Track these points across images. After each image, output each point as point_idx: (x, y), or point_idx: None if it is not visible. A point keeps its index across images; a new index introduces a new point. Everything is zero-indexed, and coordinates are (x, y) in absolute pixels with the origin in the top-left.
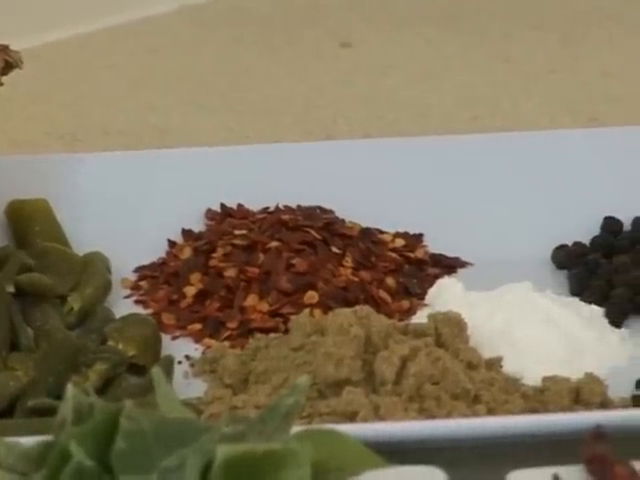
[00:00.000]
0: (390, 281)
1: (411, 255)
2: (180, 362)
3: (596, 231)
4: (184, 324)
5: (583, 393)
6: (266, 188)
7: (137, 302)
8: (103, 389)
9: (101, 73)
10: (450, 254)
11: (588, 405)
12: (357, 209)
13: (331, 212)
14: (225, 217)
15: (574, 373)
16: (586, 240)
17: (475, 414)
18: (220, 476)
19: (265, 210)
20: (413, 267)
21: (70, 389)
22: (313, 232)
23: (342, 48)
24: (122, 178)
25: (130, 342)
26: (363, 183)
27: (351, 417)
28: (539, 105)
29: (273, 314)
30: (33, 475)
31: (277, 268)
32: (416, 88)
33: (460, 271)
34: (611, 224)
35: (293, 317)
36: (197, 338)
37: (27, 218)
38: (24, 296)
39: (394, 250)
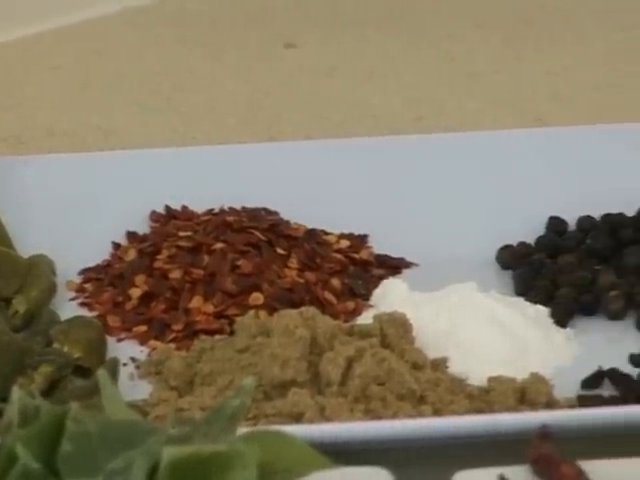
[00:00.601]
0: (335, 282)
1: (356, 256)
2: (125, 364)
3: (541, 231)
4: (129, 326)
5: (529, 393)
6: (211, 190)
7: (82, 304)
8: (49, 391)
9: (45, 75)
10: (395, 255)
11: (534, 405)
12: (302, 210)
13: (276, 213)
14: (170, 219)
15: (519, 373)
16: (531, 240)
17: (421, 415)
18: (166, 478)
19: (210, 212)
20: (358, 268)
21: (16, 391)
22: (258, 233)
23: (286, 49)
24: (66, 180)
25: (75, 344)
26: (308, 184)
27: (297, 418)
28: (483, 105)
29: (218, 316)
30: None
31: (222, 270)
32: (360, 89)
33: (405, 272)
34: (556, 224)
35: (238, 319)
36: (142, 340)
37: None
38: None
39: (339, 251)
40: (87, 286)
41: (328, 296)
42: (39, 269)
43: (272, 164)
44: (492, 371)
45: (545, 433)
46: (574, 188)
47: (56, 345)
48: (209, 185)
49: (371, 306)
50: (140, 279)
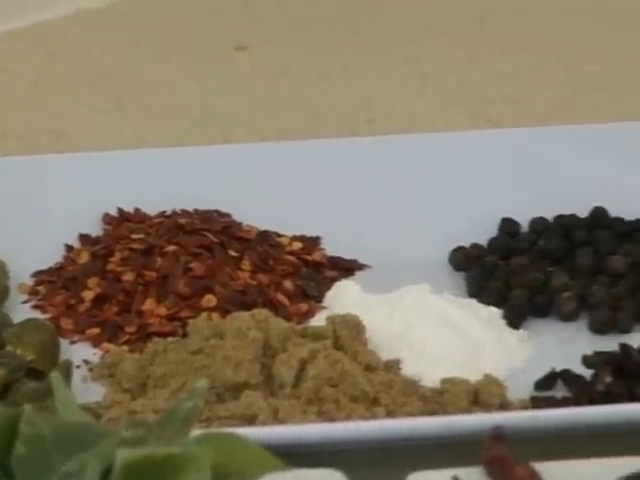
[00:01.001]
0: (288, 284)
1: (309, 258)
2: (79, 366)
3: (493, 233)
4: (82, 329)
5: (482, 395)
6: (163, 192)
7: (35, 307)
8: (2, 394)
9: None
10: (348, 257)
11: (487, 406)
12: (254, 212)
13: (228, 216)
14: (122, 221)
15: (473, 375)
16: (484, 242)
17: (374, 416)
18: None
19: (162, 214)
20: (311, 270)
21: None
22: (210, 236)
23: (238, 51)
24: (18, 183)
25: (28, 347)
26: (260, 186)
27: (250, 420)
28: (435, 107)
29: (171, 318)
30: None
31: (175, 272)
32: (312, 91)
33: (358, 274)
34: (508, 225)
35: (191, 321)
36: (95, 342)
37: None
38: None
39: (292, 253)
40: (40, 289)
41: (281, 298)
42: None
43: (224, 166)
44: (445, 373)
45: (498, 434)
46: (526, 190)
47: (9, 348)
48: (161, 187)
49: (324, 308)
50: (93, 282)
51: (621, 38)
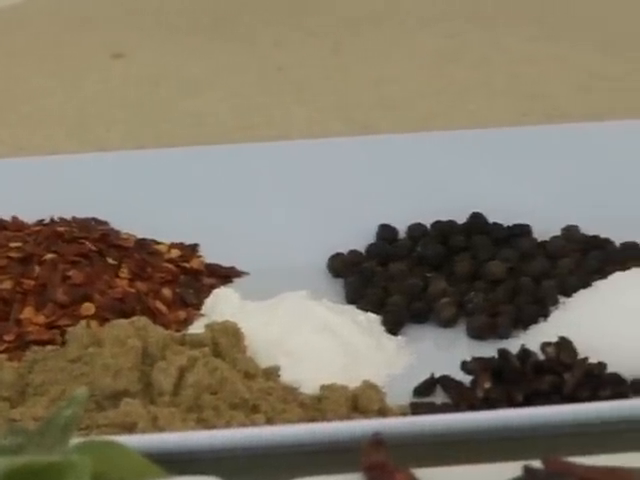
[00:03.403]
0: (166, 292)
1: (187, 265)
2: None
3: (371, 239)
4: None
5: (361, 401)
6: (41, 200)
7: None
8: None
9: None
10: (225, 264)
11: (366, 413)
12: (132, 220)
13: (106, 223)
14: (0, 230)
15: (352, 381)
16: (361, 248)
17: (253, 423)
18: None
19: (40, 222)
20: (189, 277)
21: None
22: (89, 244)
23: (114, 59)
24: None
25: None
26: (138, 194)
27: (129, 428)
28: (312, 113)
29: (50, 326)
30: None
31: (53, 280)
32: (189, 98)
33: (236, 281)
34: (386, 232)
35: (70, 329)
36: None
37: None
38: None
39: (170, 261)
40: None
41: (159, 306)
42: None
43: (101, 174)
44: (324, 379)
45: (378, 440)
46: (404, 196)
47: None
48: (39, 195)
49: (202, 315)
50: None
51: (496, 43)
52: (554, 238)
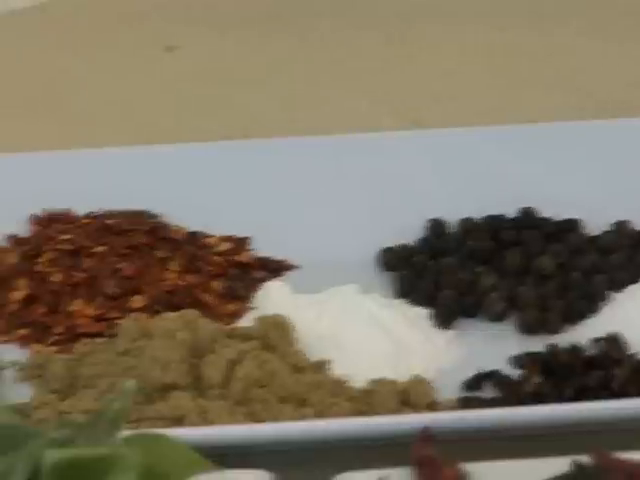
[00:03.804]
0: (216, 285)
1: (237, 258)
2: (7, 367)
3: (422, 233)
4: (11, 329)
5: (410, 395)
6: (91, 193)
7: None
8: None
9: None
10: (276, 257)
11: (415, 407)
12: (183, 213)
13: (157, 216)
14: (50, 222)
15: (401, 375)
16: (412, 242)
17: (303, 417)
18: None
19: (90, 215)
20: (239, 270)
21: None
22: (139, 236)
23: (166, 52)
24: None
25: None
26: (189, 187)
27: (178, 421)
28: (363, 107)
29: (99, 319)
30: None
31: (103, 273)
32: (241, 92)
33: (287, 274)
34: (436, 226)
35: (119, 322)
36: (24, 343)
37: None
38: None
39: (220, 254)
40: None
41: (209, 299)
42: None
43: (153, 166)
44: (374, 373)
45: (427, 435)
46: (455, 190)
47: None
48: (90, 188)
49: (253, 308)
50: (21, 282)
51: (547, 38)
52: (605, 233)
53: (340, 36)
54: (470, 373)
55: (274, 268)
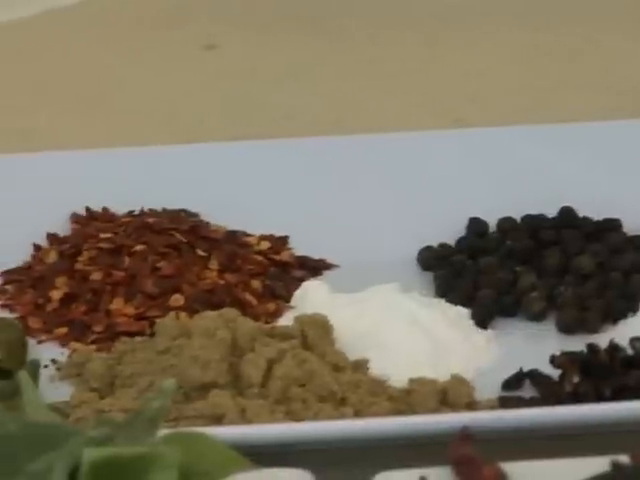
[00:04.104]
0: (256, 284)
1: (276, 257)
2: (46, 366)
3: (461, 232)
4: (50, 328)
5: (450, 394)
6: (131, 191)
7: (3, 306)
8: None
9: None
10: (316, 256)
11: (455, 406)
12: (222, 212)
13: (196, 215)
14: (90, 221)
15: (441, 375)
16: (452, 241)
17: (342, 416)
18: (87, 479)
19: (130, 213)
20: (279, 269)
21: None
22: (178, 235)
23: (206, 50)
24: None
25: None
26: (228, 186)
27: (217, 420)
28: (403, 106)
29: (139, 317)
30: None
31: (142, 271)
32: (281, 91)
33: (326, 273)
34: (476, 225)
35: (159, 320)
36: (63, 342)
37: None
38: None
39: (259, 253)
40: (8, 288)
41: (249, 297)
42: None
43: (192, 166)
44: (413, 372)
45: (466, 434)
46: (494, 189)
47: None
48: (130, 187)
49: (292, 307)
50: (61, 281)
51: (589, 38)
52: None
53: (380, 36)
54: (509, 372)
55: (313, 267)
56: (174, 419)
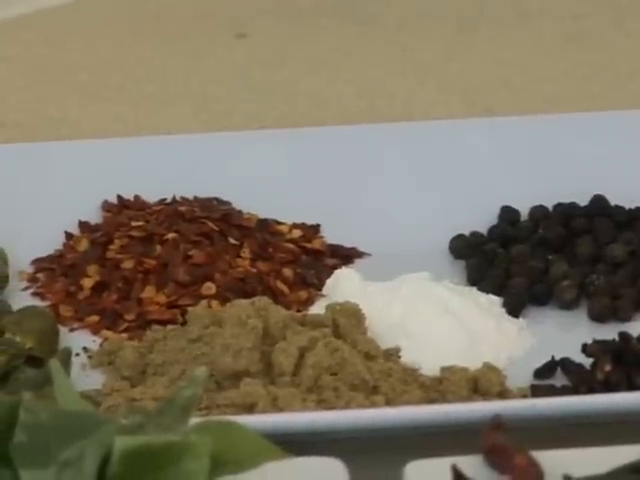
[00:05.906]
0: (287, 272)
1: (308, 246)
2: (78, 354)
3: (493, 221)
4: (82, 316)
5: (481, 383)
6: (163, 179)
7: (34, 294)
8: (1, 382)
9: None
10: (347, 245)
11: (486, 395)
12: (254, 200)
13: (228, 203)
14: (122, 209)
15: (472, 363)
16: (483, 230)
17: (373, 405)
18: (119, 468)
19: (162, 202)
20: (310, 258)
21: None
22: (210, 223)
23: (237, 39)
24: (18, 170)
25: (28, 334)
26: (260, 174)
27: (249, 408)
28: (435, 95)
29: (170, 306)
30: None
31: (174, 260)
32: (312, 79)
33: (357, 261)
34: (508, 213)
35: (190, 309)
36: (95, 330)
37: None
38: None
39: (291, 241)
40: (39, 276)
41: (280, 286)
42: None
43: (224, 154)
44: (445, 361)
45: (498, 423)
46: (526, 178)
47: (8, 335)
48: (161, 175)
49: (323, 296)
50: (92, 269)
51: (620, 27)
52: None
53: (412, 25)
54: (541, 361)
55: (345, 256)
56: (205, 408)
